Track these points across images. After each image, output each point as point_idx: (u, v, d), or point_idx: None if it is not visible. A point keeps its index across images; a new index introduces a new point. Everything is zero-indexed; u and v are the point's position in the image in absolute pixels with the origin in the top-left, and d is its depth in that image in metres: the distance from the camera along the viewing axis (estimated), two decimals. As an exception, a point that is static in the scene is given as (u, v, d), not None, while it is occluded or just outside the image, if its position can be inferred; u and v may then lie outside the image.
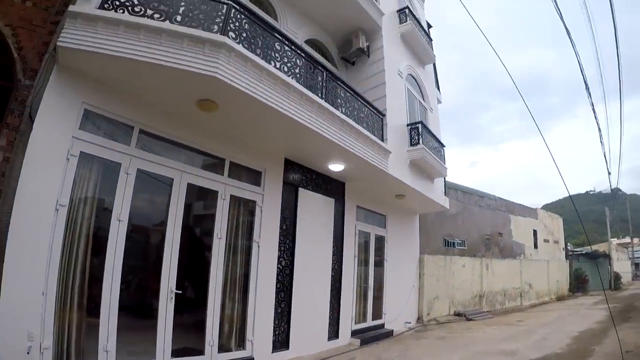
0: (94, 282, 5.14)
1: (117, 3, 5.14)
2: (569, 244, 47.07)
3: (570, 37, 7.55)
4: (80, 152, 5.14)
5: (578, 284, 28.04)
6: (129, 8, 5.14)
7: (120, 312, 5.26)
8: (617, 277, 31.85)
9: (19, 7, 5.34)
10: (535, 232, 25.58)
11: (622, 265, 38.40)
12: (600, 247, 36.07)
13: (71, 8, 4.95)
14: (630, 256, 48.83)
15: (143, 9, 5.18)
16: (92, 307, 5.10)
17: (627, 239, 52.31)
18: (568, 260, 29.42)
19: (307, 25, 10.21)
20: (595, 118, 10.15)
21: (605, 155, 12.98)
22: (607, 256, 32.68)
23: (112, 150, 5.52)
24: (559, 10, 7.41)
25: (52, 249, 4.72)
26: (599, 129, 10.04)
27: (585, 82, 8.50)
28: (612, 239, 35.41)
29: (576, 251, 34.51)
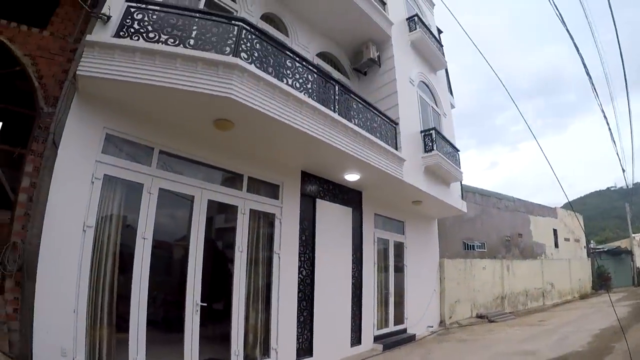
0: (122, 298, 5.33)
1: (132, 30, 5.38)
2: (591, 242, 46.54)
3: (572, 39, 7.63)
4: (104, 174, 5.37)
5: (601, 282, 27.75)
6: (144, 35, 5.38)
7: (148, 327, 5.46)
8: (641, 272, 31.43)
9: (37, 37, 5.58)
10: (555, 231, 25.39)
11: (645, 261, 37.86)
12: (622, 244, 35.58)
13: (88, 37, 5.20)
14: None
15: (157, 35, 5.40)
16: (122, 323, 5.28)
17: (652, 234, 51.64)
18: (590, 258, 29.15)
19: (318, 38, 10.42)
20: (605, 118, 10.16)
21: (618, 154, 12.94)
22: (629, 252, 32.27)
23: (134, 171, 5.74)
24: (558, 10, 7.51)
25: (81, 268, 4.92)
26: (610, 129, 10.01)
27: (591, 84, 8.54)
28: (634, 235, 34.86)
29: (598, 249, 34.13)
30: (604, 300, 21.17)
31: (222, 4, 8.00)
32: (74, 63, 5.39)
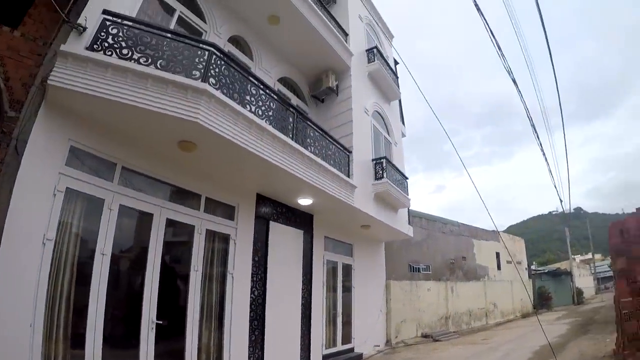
0: (79, 313, 5.32)
1: (106, 44, 5.48)
2: (534, 263, 48.35)
3: (512, 78, 8.30)
4: (67, 187, 5.36)
5: (542, 301, 29.13)
6: (117, 50, 5.49)
7: (104, 342, 5.46)
8: (579, 292, 33.08)
9: (7, 36, 5.36)
10: (498, 254, 26.49)
11: (584, 281, 39.67)
12: (562, 265, 37.26)
13: (62, 47, 5.22)
14: (593, 271, 50.60)
15: (130, 52, 5.55)
16: (78, 338, 5.27)
17: (590, 255, 54.30)
18: (531, 280, 30.48)
19: (281, 64, 10.83)
20: (543, 154, 10.95)
21: (555, 186, 13.82)
22: (568, 273, 33.92)
23: (96, 186, 5.75)
24: (499, 49, 8.14)
25: (40, 281, 4.87)
26: (547, 162, 10.81)
27: (530, 121, 9.28)
28: (576, 256, 36.71)
29: (539, 270, 35.74)
30: (544, 319, 22.21)
31: (193, 24, 8.27)
32: (42, 68, 5.32)
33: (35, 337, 4.74)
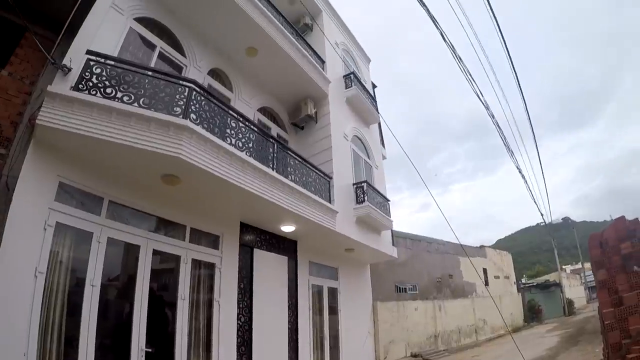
0: (70, 343, 5.47)
1: (91, 84, 5.71)
2: (524, 276, 48.62)
3: (483, 103, 8.65)
4: (56, 222, 5.52)
5: (532, 314, 29.43)
6: (102, 90, 5.73)
7: None
8: (570, 303, 33.30)
9: None
10: (485, 270, 26.71)
11: (575, 291, 39.97)
12: (550, 277, 37.55)
13: (49, 88, 5.41)
14: (583, 281, 50.83)
15: (114, 91, 5.79)
16: None
17: (580, 265, 54.57)
18: (520, 293, 30.72)
19: (260, 94, 11.15)
20: (519, 170, 11.31)
21: (535, 201, 14.22)
22: (558, 285, 34.20)
23: (85, 220, 5.92)
24: (465, 68, 8.51)
25: (32, 312, 5.01)
26: (524, 180, 11.14)
27: (503, 140, 9.63)
28: (566, 266, 36.94)
29: (527, 284, 36.05)
30: (534, 332, 22.53)
31: (173, 59, 8.55)
32: (29, 106, 5.58)
33: None
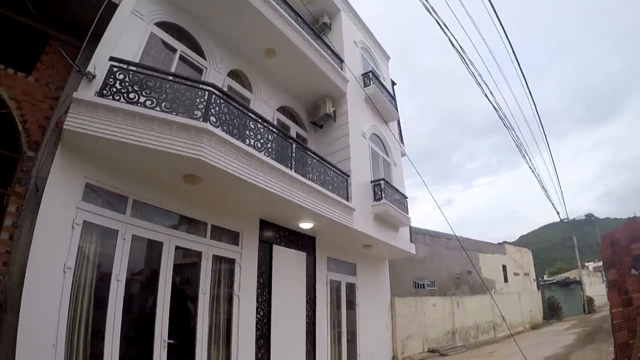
0: (97, 334, 5.78)
1: (114, 90, 6.00)
2: (545, 273, 48.15)
3: (493, 105, 8.72)
4: (84, 220, 5.84)
5: (552, 312, 29.27)
6: (125, 95, 6.01)
7: None
8: (590, 300, 32.92)
9: (22, 82, 5.92)
10: (504, 267, 26.65)
11: (596, 289, 39.55)
12: (571, 275, 37.22)
13: (75, 95, 5.71)
14: (604, 279, 50.06)
15: (137, 96, 6.07)
16: (96, 357, 5.72)
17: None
18: (540, 290, 30.55)
19: (280, 94, 11.37)
20: (532, 171, 11.35)
21: (550, 200, 14.20)
22: (578, 282, 33.88)
23: (110, 219, 6.25)
24: (483, 81, 8.61)
25: (61, 305, 5.33)
26: (538, 181, 11.16)
27: (516, 144, 9.71)
28: (588, 263, 36.47)
29: (547, 281, 35.76)
30: (553, 330, 22.46)
31: (194, 62, 8.82)
32: (56, 111, 5.86)
33: (57, 356, 5.20)
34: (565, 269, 59.19)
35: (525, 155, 10.47)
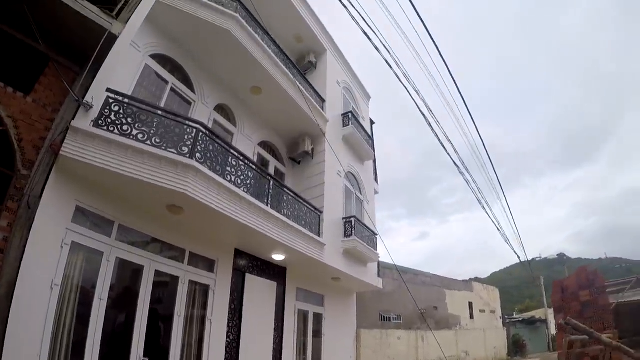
0: (78, 348, 6.14)
1: (109, 120, 6.47)
2: (515, 310, 48.90)
3: (442, 143, 9.47)
4: (72, 241, 6.19)
5: (516, 349, 29.96)
6: (119, 127, 6.49)
7: None
8: (554, 339, 33.66)
9: (21, 101, 6.00)
10: (470, 304, 27.34)
11: (562, 327, 40.21)
12: (537, 314, 38.05)
13: (73, 123, 6.12)
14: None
15: (130, 128, 6.56)
16: None
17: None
18: (506, 328, 31.25)
19: (262, 129, 12.06)
20: (492, 219, 12.10)
21: (510, 244, 14.92)
22: (543, 321, 34.69)
23: (97, 241, 6.63)
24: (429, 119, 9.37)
25: (47, 319, 5.65)
26: (497, 227, 11.88)
27: (474, 194, 10.45)
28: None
29: (513, 318, 36.52)
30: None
31: (183, 95, 9.45)
32: (51, 133, 6.12)
33: None
34: (534, 307, 60.14)
35: (482, 203, 11.19)
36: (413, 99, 7.47)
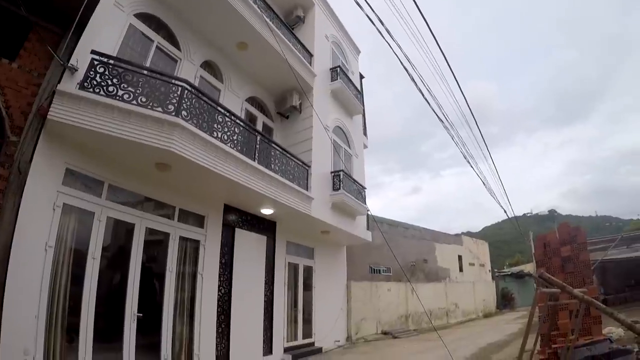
0: (74, 307, 6.28)
1: (95, 82, 6.47)
2: (506, 264, 49.82)
3: (429, 103, 9.49)
4: (63, 203, 6.34)
5: (505, 302, 30.70)
6: (104, 88, 6.48)
7: (94, 331, 6.48)
8: (543, 292, 34.43)
9: (6, 68, 6.00)
10: (460, 257, 27.80)
11: (550, 282, 41.01)
12: (525, 268, 38.81)
13: (59, 87, 6.14)
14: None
15: (115, 89, 6.56)
16: (73, 327, 6.25)
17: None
18: (495, 281, 31.92)
19: (249, 85, 12.00)
20: (477, 174, 12.19)
21: (498, 201, 15.08)
22: (531, 275, 35.43)
23: (87, 201, 6.77)
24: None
25: (43, 280, 5.80)
26: (484, 183, 11.95)
27: (462, 152, 10.50)
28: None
29: (502, 272, 37.25)
30: (504, 318, 23.69)
31: (169, 53, 9.35)
32: (38, 98, 6.12)
33: (39, 327, 5.73)
34: (524, 262, 61.29)
35: (467, 158, 11.26)
36: (396, 55, 7.38)
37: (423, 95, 8.78)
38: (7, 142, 5.83)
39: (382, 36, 7.12)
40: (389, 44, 7.22)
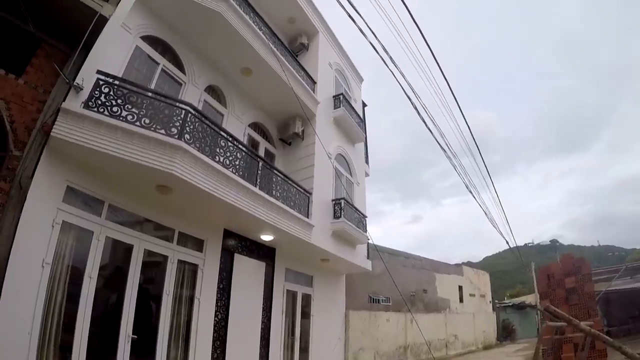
0: (68, 325, 6.25)
1: (99, 102, 6.55)
2: (507, 295, 49.30)
3: (433, 134, 9.51)
4: (63, 221, 6.31)
5: (505, 333, 30.26)
6: (109, 108, 6.57)
7: (88, 351, 6.39)
8: (544, 324, 33.98)
9: (12, 83, 6.09)
10: (460, 287, 27.50)
11: (552, 313, 40.62)
12: (527, 299, 38.42)
13: (64, 105, 6.19)
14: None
15: (120, 110, 6.64)
16: (67, 346, 6.19)
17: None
18: (495, 312, 31.53)
19: (253, 110, 12.07)
20: (478, 203, 12.20)
21: (499, 230, 15.08)
22: (533, 306, 35.03)
23: (87, 220, 6.74)
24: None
25: (38, 297, 5.77)
26: (485, 213, 11.95)
27: (464, 182, 10.49)
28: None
29: (503, 303, 36.85)
30: (504, 351, 23.40)
31: (174, 76, 9.45)
32: (42, 114, 6.18)
33: (32, 343, 5.66)
34: (525, 293, 60.66)
35: (469, 188, 11.27)
36: (399, 83, 7.47)
37: (426, 124, 8.83)
38: (9, 156, 5.87)
39: (387, 65, 7.19)
40: (393, 74, 7.32)
